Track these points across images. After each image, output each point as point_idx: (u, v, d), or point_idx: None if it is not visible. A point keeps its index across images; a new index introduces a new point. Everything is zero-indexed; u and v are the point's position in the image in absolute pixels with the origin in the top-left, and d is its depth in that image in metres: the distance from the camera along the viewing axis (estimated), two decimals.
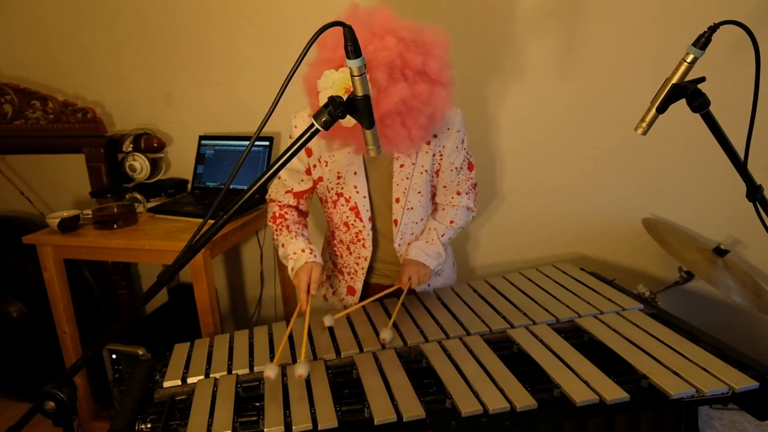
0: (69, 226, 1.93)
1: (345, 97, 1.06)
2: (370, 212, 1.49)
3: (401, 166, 1.46)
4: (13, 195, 2.53)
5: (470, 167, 1.58)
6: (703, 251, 1.75)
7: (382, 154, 1.34)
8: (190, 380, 1.32)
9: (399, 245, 1.55)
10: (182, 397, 1.29)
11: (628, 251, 2.14)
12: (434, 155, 1.48)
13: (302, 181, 1.54)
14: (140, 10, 2.27)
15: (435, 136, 1.45)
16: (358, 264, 1.57)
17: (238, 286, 2.57)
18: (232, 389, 1.26)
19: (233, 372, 1.33)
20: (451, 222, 1.57)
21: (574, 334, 1.41)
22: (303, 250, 1.45)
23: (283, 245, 1.50)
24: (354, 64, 0.95)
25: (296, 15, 2.12)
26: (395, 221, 1.51)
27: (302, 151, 1.39)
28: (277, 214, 1.55)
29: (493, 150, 2.12)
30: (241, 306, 2.59)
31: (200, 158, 2.27)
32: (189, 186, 2.33)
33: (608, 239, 2.14)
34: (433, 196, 1.59)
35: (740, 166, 1.14)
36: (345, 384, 1.28)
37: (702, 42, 1.04)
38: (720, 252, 1.73)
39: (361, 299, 1.59)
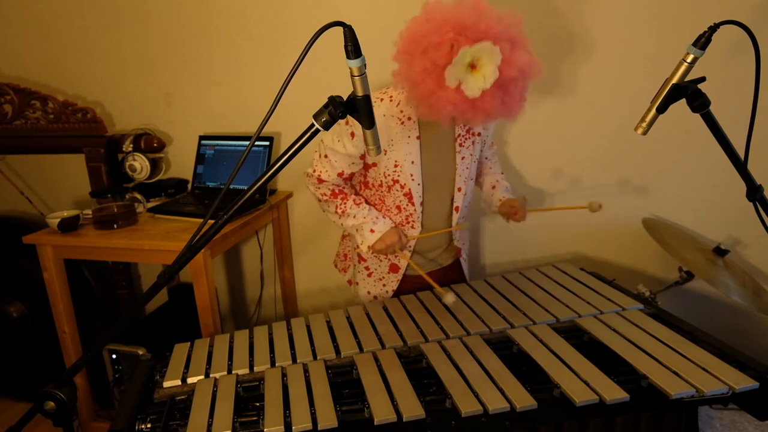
0: (69, 226, 1.93)
1: (470, 70, 1.25)
2: (421, 198, 1.59)
3: (462, 158, 1.60)
4: (13, 195, 2.53)
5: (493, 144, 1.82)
6: (703, 251, 1.75)
7: (441, 148, 1.57)
8: (190, 380, 1.32)
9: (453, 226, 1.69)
10: (182, 397, 1.29)
11: (628, 251, 2.14)
12: (483, 143, 1.69)
13: (353, 164, 1.59)
14: (141, 10, 2.27)
15: (485, 127, 1.64)
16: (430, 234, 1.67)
17: (238, 286, 2.57)
18: (232, 389, 1.26)
19: (233, 372, 1.33)
20: (501, 173, 1.82)
21: (574, 334, 1.41)
22: (384, 217, 1.62)
23: (354, 216, 1.61)
24: (354, 64, 0.95)
25: (297, 15, 2.12)
26: (456, 208, 1.65)
27: (360, 138, 1.50)
28: (336, 191, 1.64)
29: None
30: (241, 306, 2.59)
31: (200, 158, 2.26)
32: (189, 186, 2.33)
33: (608, 239, 2.14)
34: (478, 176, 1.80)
35: (740, 166, 1.14)
36: (345, 384, 1.28)
37: (702, 42, 1.04)
38: (720, 252, 1.73)
39: (401, 281, 1.71)
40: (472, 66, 1.26)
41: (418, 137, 1.54)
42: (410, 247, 1.67)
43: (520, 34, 1.33)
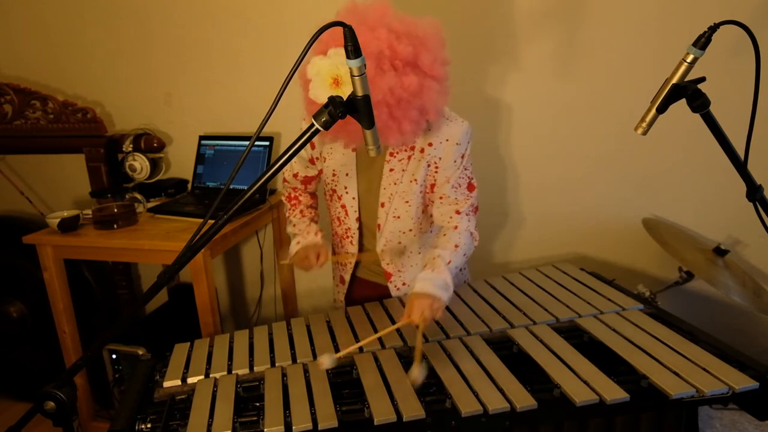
0: (69, 226, 1.93)
1: (334, 87, 1.08)
2: (357, 213, 1.53)
3: (390, 170, 1.44)
4: (13, 195, 2.53)
5: (470, 188, 1.48)
6: (703, 251, 1.75)
7: (377, 158, 1.41)
8: (190, 380, 1.32)
9: (382, 251, 1.54)
10: (182, 396, 1.29)
11: (628, 251, 2.14)
12: (428, 165, 1.43)
13: (308, 167, 1.59)
14: (141, 11, 2.27)
15: (430, 144, 1.40)
16: (346, 258, 1.62)
17: (238, 286, 2.57)
18: (232, 389, 1.26)
19: (233, 372, 1.33)
20: (456, 246, 1.41)
21: (574, 334, 1.41)
22: (316, 233, 1.55)
23: (293, 225, 1.62)
24: (354, 64, 0.95)
25: (296, 15, 2.12)
26: (378, 225, 1.51)
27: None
28: (292, 195, 1.66)
29: (492, 151, 2.12)
30: (241, 306, 2.59)
31: (200, 158, 2.26)
32: (189, 186, 2.33)
33: (608, 239, 2.14)
34: (429, 212, 1.54)
35: (740, 166, 1.14)
36: (345, 384, 1.28)
37: (702, 42, 1.04)
38: (720, 252, 1.73)
39: (348, 290, 1.68)
40: (336, 82, 1.13)
41: (354, 149, 1.45)
42: (343, 268, 1.64)
43: (418, 50, 1.20)
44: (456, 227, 1.45)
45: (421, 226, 1.55)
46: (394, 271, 1.58)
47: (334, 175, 1.50)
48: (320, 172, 1.57)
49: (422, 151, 1.42)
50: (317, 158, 1.53)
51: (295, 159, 1.55)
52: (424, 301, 1.29)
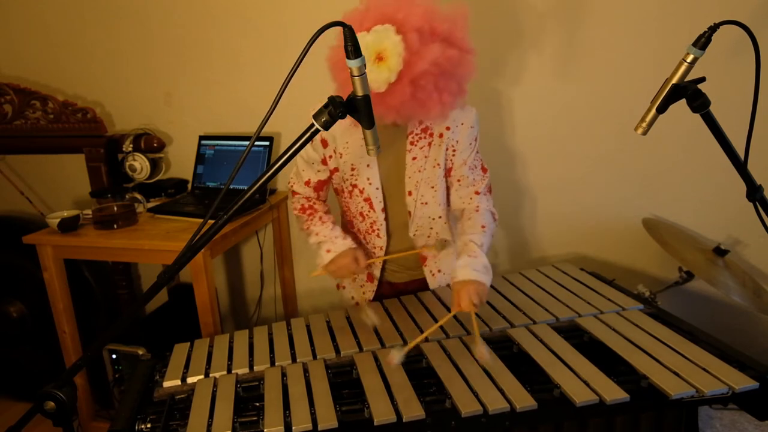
0: (69, 226, 1.93)
1: (377, 63, 1.13)
2: (382, 203, 1.52)
3: (414, 158, 1.47)
4: (13, 195, 2.53)
5: (483, 169, 1.56)
6: (703, 251, 1.75)
7: (394, 146, 1.44)
8: (189, 380, 1.32)
9: (415, 236, 1.57)
10: (182, 396, 1.29)
11: (628, 251, 2.14)
12: (447, 149, 1.49)
13: (319, 171, 1.56)
14: (141, 11, 2.27)
15: (448, 128, 1.46)
16: (374, 253, 1.60)
17: (238, 286, 2.57)
18: (232, 389, 1.26)
19: (233, 372, 1.33)
20: (483, 227, 1.46)
21: (574, 334, 1.41)
22: (344, 238, 1.51)
23: (316, 234, 1.54)
24: (354, 64, 0.95)
25: (296, 15, 2.12)
26: (409, 213, 1.53)
27: (318, 142, 1.47)
28: (306, 206, 1.59)
29: (492, 151, 2.12)
30: (241, 306, 2.59)
31: (200, 158, 2.26)
32: (189, 186, 2.33)
33: (608, 239, 2.14)
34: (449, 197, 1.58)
35: (740, 166, 1.14)
36: (345, 384, 1.28)
37: (702, 42, 1.04)
38: (720, 252, 1.73)
39: (377, 294, 1.65)
40: (379, 58, 1.18)
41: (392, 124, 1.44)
42: (370, 267, 1.61)
43: (452, 27, 1.26)
44: (477, 208, 1.51)
45: (449, 213, 1.59)
46: (429, 255, 1.61)
47: (353, 169, 1.48)
48: (332, 172, 1.54)
49: (441, 136, 1.47)
50: (330, 156, 1.50)
51: (303, 167, 1.55)
52: (470, 287, 1.33)
